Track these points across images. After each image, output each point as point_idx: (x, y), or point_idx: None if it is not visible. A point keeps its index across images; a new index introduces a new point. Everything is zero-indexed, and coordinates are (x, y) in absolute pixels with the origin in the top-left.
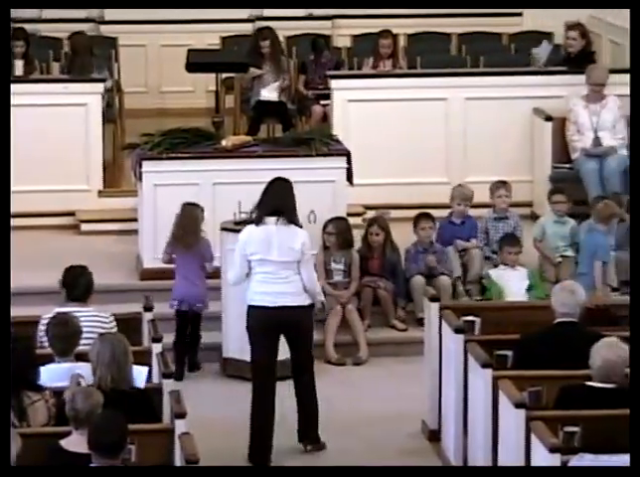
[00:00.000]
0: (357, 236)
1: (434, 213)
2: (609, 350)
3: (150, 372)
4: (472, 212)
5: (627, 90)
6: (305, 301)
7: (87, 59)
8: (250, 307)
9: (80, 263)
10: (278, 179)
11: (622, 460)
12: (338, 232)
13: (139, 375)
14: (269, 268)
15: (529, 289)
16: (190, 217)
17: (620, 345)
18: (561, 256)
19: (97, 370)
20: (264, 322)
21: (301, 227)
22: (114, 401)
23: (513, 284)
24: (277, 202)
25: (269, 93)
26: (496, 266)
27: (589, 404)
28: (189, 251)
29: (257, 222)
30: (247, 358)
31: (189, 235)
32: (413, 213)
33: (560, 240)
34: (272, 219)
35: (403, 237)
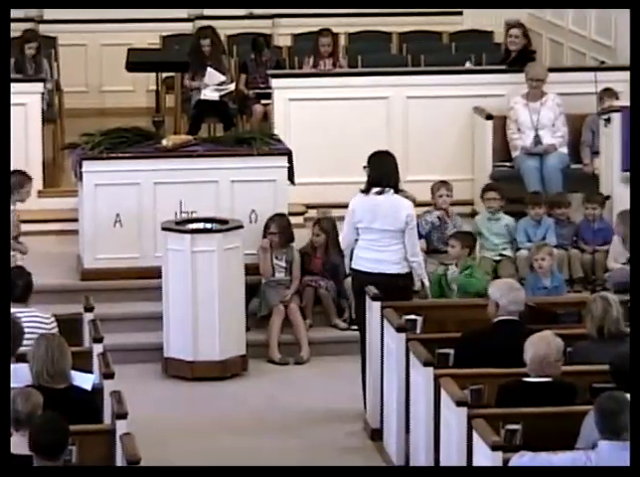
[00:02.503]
0: (299, 235)
1: None
2: (540, 341)
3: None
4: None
5: (567, 89)
6: (402, 270)
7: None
8: (353, 270)
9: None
10: (380, 152)
11: (562, 459)
12: (280, 230)
13: (86, 380)
14: (373, 236)
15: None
16: None
17: (552, 337)
18: (500, 255)
19: (33, 366)
20: (363, 286)
21: (407, 197)
22: (57, 401)
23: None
24: (382, 173)
25: (211, 92)
26: (444, 265)
27: (527, 400)
28: None
29: (365, 192)
30: (188, 358)
31: None
32: None
33: (496, 238)
34: (378, 189)
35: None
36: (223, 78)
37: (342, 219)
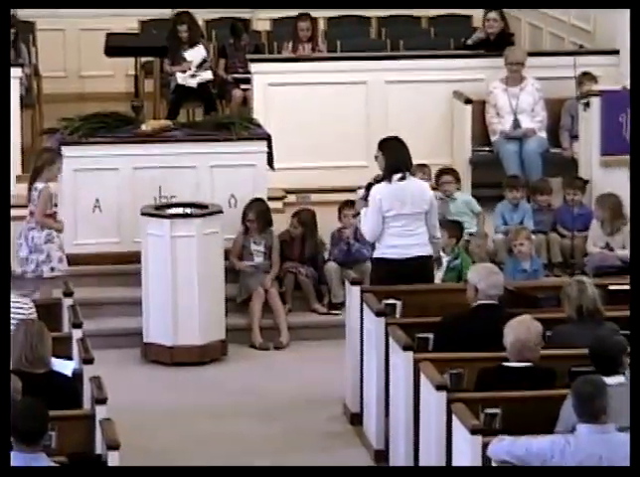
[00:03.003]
0: (278, 220)
1: (355, 197)
2: (520, 326)
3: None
4: None
5: (546, 73)
6: (430, 251)
7: None
8: (380, 260)
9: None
10: (392, 138)
11: (541, 443)
12: (258, 216)
13: (66, 367)
14: (403, 222)
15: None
16: None
17: (532, 321)
18: (469, 240)
19: (13, 352)
20: (392, 274)
21: (428, 179)
22: (36, 387)
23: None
24: (402, 159)
25: (189, 79)
26: None
27: (506, 385)
28: None
29: (386, 179)
30: (168, 343)
31: None
32: (334, 196)
33: (460, 217)
34: (399, 175)
35: (325, 220)
36: (203, 52)
37: (322, 204)
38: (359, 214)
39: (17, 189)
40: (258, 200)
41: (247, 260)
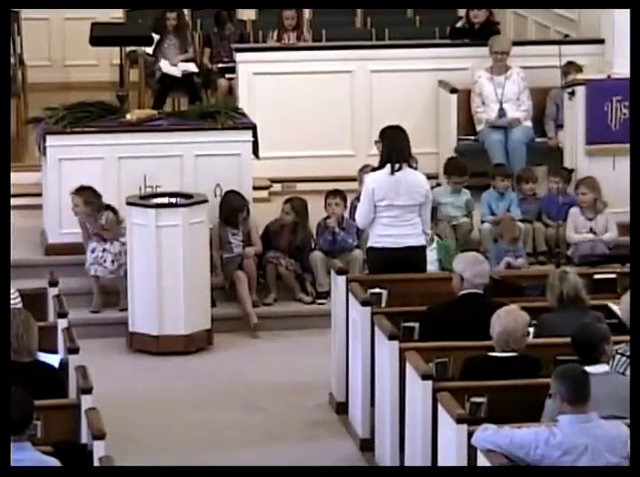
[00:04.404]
0: (264, 209)
1: (341, 186)
2: (507, 316)
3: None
4: None
5: (531, 62)
6: (422, 242)
7: None
8: (373, 249)
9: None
10: (392, 127)
11: (524, 434)
12: (230, 210)
13: (52, 361)
14: (395, 212)
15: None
16: None
17: (518, 311)
18: (455, 225)
19: None
20: (385, 262)
21: (416, 168)
22: (22, 376)
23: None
24: (399, 149)
25: (174, 68)
26: None
27: (492, 374)
28: None
29: (381, 168)
30: (153, 332)
31: None
32: (320, 186)
33: (455, 210)
34: (395, 165)
35: (310, 210)
36: (177, 71)
37: (308, 193)
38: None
39: None
40: (230, 192)
41: (226, 252)
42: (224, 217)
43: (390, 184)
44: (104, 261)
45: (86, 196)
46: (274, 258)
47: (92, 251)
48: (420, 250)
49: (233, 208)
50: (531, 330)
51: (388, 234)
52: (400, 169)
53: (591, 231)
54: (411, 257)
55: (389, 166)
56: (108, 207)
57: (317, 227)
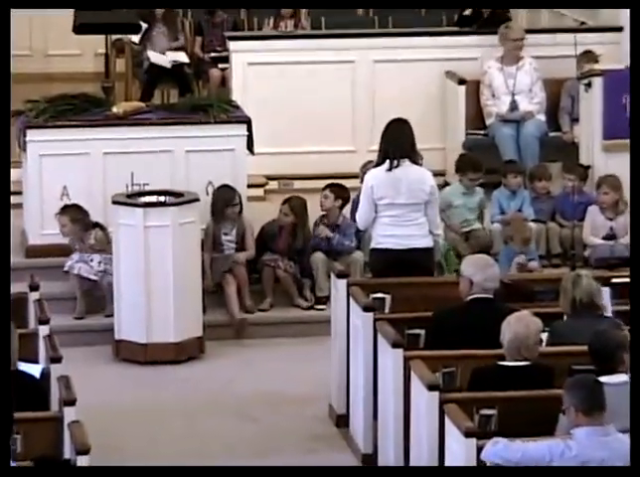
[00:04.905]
0: (259, 209)
1: (341, 183)
2: (518, 323)
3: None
4: None
5: (544, 52)
6: (430, 243)
7: None
8: (375, 250)
9: None
10: (396, 120)
11: (538, 448)
12: (222, 203)
13: (33, 371)
14: (397, 211)
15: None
16: None
17: (530, 317)
18: (470, 231)
19: None
20: (387, 265)
21: (421, 165)
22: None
23: None
24: (398, 143)
25: (162, 58)
26: None
27: (502, 385)
28: None
29: (380, 165)
30: (141, 340)
31: None
32: (319, 183)
33: (469, 212)
34: (396, 161)
35: (309, 209)
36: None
37: (306, 191)
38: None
39: None
40: (223, 186)
41: (217, 252)
42: (214, 212)
43: (389, 181)
44: (91, 261)
45: (72, 214)
46: (272, 261)
47: (80, 249)
48: (426, 252)
49: (222, 200)
50: (544, 337)
51: (390, 234)
52: (398, 165)
53: (611, 230)
54: (417, 260)
55: (389, 162)
56: (96, 224)
57: (314, 225)
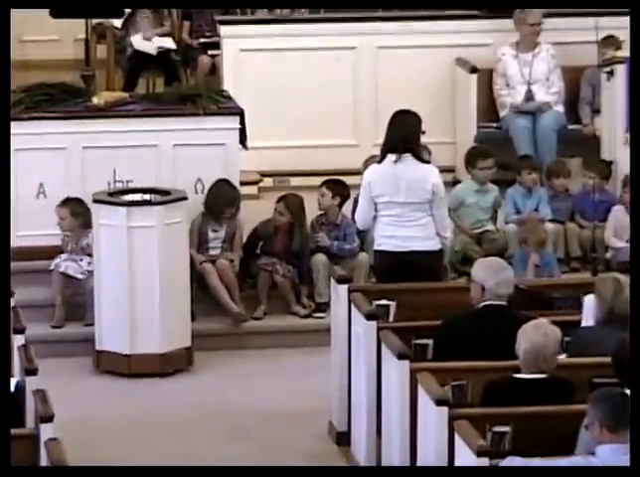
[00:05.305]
0: (253, 208)
1: (339, 179)
2: (536, 331)
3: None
4: None
5: (563, 37)
6: (436, 246)
7: None
8: (376, 252)
9: None
10: (401, 111)
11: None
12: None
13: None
14: (397, 211)
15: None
16: None
17: (549, 327)
18: (483, 232)
19: None
20: (390, 268)
21: (429, 162)
22: None
23: None
24: (402, 137)
25: (147, 44)
26: None
27: (517, 399)
28: None
29: (382, 160)
30: (124, 350)
31: None
32: (317, 180)
33: (481, 212)
34: (395, 156)
35: (307, 206)
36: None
37: (304, 189)
38: None
39: None
40: (221, 181)
41: (201, 252)
42: (210, 210)
43: (388, 177)
44: (81, 260)
45: (74, 207)
46: (269, 265)
47: (70, 251)
48: (430, 256)
49: (224, 200)
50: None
51: (390, 235)
52: (399, 160)
53: None
54: (419, 264)
55: (391, 157)
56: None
57: (310, 226)
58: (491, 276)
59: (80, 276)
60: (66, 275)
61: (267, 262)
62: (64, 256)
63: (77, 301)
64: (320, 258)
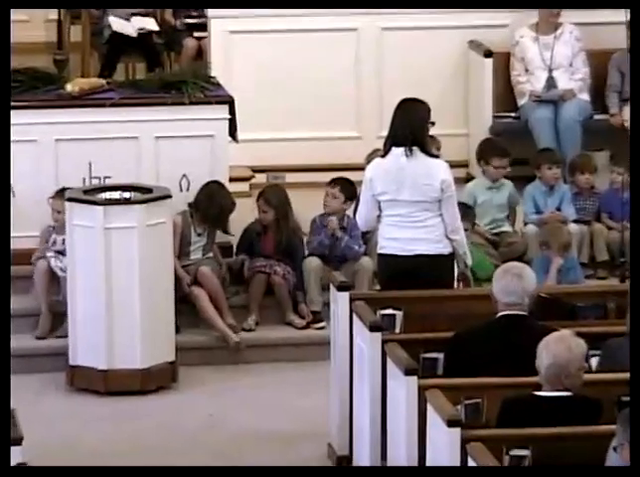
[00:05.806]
0: (245, 207)
1: (345, 176)
2: (559, 345)
3: None
4: None
5: (588, 18)
6: (445, 249)
7: None
8: (379, 255)
9: None
10: (408, 100)
11: None
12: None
13: None
14: (401, 210)
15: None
16: None
17: (573, 339)
18: (497, 234)
19: None
20: (393, 274)
21: (438, 157)
22: None
23: None
24: (408, 128)
25: (126, 25)
26: None
27: (538, 419)
28: None
29: (385, 153)
30: (101, 365)
31: None
32: (316, 176)
33: (496, 210)
34: (401, 149)
35: (304, 206)
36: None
37: (300, 186)
38: None
39: None
40: (212, 183)
41: (182, 258)
42: (202, 215)
43: (392, 174)
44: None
45: None
46: (265, 267)
47: (53, 243)
48: (437, 260)
49: (219, 207)
50: (593, 362)
51: (393, 237)
52: (404, 154)
53: None
54: (423, 269)
55: (395, 150)
56: None
57: (311, 224)
58: (495, 283)
59: (60, 273)
60: (49, 273)
61: (264, 264)
62: (49, 253)
63: (60, 310)
64: (312, 262)
